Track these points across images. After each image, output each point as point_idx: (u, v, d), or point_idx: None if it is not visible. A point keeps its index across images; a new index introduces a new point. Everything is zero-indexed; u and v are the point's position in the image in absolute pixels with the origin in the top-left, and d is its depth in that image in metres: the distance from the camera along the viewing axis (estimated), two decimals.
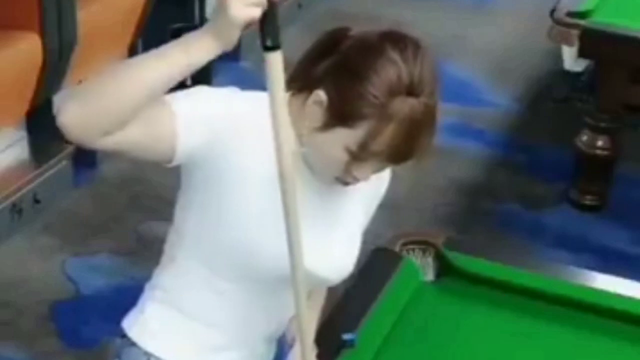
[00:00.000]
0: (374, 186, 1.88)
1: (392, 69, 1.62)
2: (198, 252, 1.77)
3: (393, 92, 1.61)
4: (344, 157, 1.65)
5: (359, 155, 1.65)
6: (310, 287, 1.87)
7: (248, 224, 1.70)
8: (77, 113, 1.54)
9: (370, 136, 1.62)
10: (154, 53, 1.55)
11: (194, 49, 1.53)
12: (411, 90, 1.62)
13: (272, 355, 1.96)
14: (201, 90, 1.70)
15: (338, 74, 1.66)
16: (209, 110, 1.66)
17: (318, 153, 1.70)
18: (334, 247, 1.82)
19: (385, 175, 1.91)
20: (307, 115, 1.67)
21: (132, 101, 1.54)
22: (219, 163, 1.67)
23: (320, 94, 1.65)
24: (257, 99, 1.67)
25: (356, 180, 1.70)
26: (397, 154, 1.66)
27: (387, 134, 1.62)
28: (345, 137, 1.64)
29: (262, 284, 1.76)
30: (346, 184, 1.72)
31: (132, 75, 1.54)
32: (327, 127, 1.66)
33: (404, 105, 1.62)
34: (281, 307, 1.84)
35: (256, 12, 1.48)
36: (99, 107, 1.54)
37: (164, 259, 1.86)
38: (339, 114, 1.64)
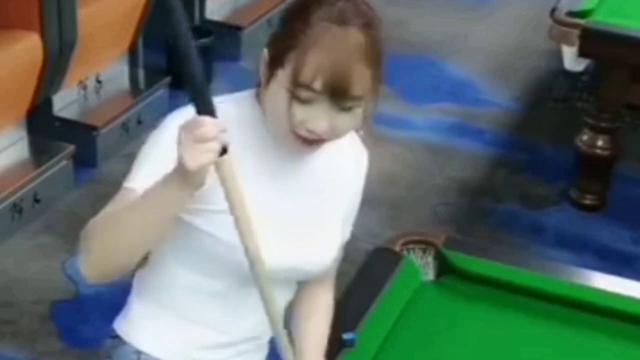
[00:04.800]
0: (354, 177, 1.90)
1: (318, 5, 1.64)
2: (180, 256, 1.78)
3: (316, 20, 1.63)
4: (285, 99, 1.65)
5: (296, 92, 1.63)
6: (292, 280, 1.88)
7: (228, 224, 1.71)
8: (95, 274, 1.68)
9: (298, 66, 1.62)
10: (136, 204, 1.62)
11: (169, 200, 1.59)
12: (335, 19, 1.63)
13: (265, 351, 1.96)
14: (144, 151, 1.73)
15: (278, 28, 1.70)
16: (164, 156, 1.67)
17: (270, 111, 1.70)
18: (315, 240, 1.82)
19: (363, 169, 1.92)
20: (261, 78, 1.70)
21: (138, 253, 1.66)
22: (199, 193, 1.67)
23: (264, 52, 1.69)
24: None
25: (312, 133, 1.66)
26: (331, 85, 1.62)
27: (313, 61, 1.61)
28: (281, 79, 1.65)
29: (247, 279, 1.77)
30: (308, 142, 1.69)
31: (125, 232, 1.63)
32: (270, 79, 1.67)
33: (325, 31, 1.62)
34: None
35: (210, 158, 1.51)
36: (111, 266, 1.67)
37: (149, 258, 1.86)
38: (273, 59, 1.66)
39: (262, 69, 1.70)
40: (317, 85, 1.62)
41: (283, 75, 1.65)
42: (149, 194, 1.60)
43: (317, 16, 1.64)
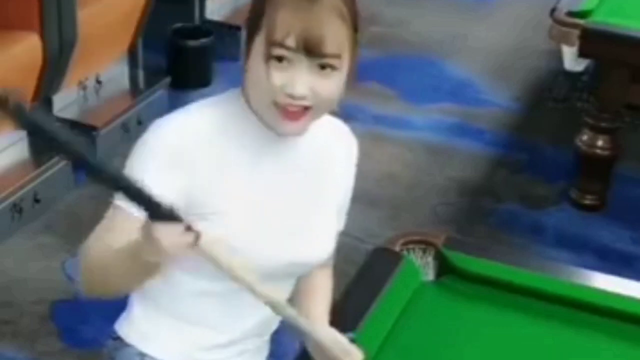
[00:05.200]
0: (346, 166, 1.89)
1: None
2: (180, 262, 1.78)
3: None
4: (263, 66, 1.64)
5: (271, 52, 1.62)
6: (294, 275, 1.87)
7: (233, 229, 1.72)
8: (90, 294, 1.75)
9: (270, 25, 1.62)
10: (118, 259, 1.64)
11: (146, 267, 1.60)
12: None
13: (266, 351, 1.96)
14: (130, 166, 1.71)
15: None
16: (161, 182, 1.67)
17: (252, 87, 1.69)
18: (312, 232, 1.82)
19: (353, 158, 1.91)
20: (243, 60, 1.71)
21: (129, 291, 1.80)
22: (192, 199, 1.70)
23: (244, 34, 1.70)
24: (185, 121, 1.73)
25: (292, 98, 1.64)
26: (305, 41, 1.61)
27: (285, 18, 1.61)
28: (258, 46, 1.65)
29: None
30: (291, 116, 1.66)
31: (113, 281, 1.69)
32: (249, 52, 1.67)
33: None
34: None
35: (177, 255, 1.53)
36: (104, 294, 1.74)
37: None
38: (249, 29, 1.67)
39: (244, 50, 1.70)
40: (291, 41, 1.61)
41: (259, 41, 1.64)
42: (127, 254, 1.61)
43: None
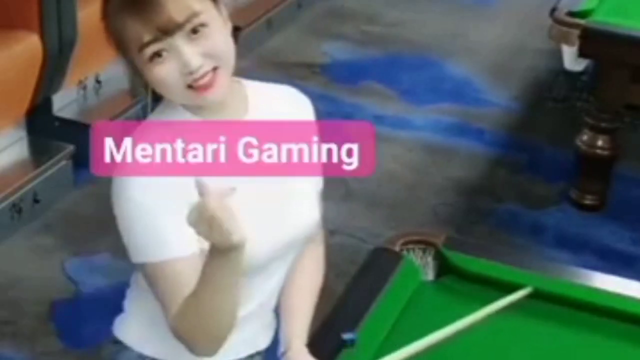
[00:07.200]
0: (306, 119, 1.90)
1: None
2: None
3: (111, 6, 1.70)
4: (153, 70, 1.68)
5: (145, 56, 1.66)
6: (291, 251, 1.87)
7: None
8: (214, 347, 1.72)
9: (127, 41, 1.68)
10: (211, 296, 1.64)
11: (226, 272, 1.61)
12: None
13: (268, 338, 1.97)
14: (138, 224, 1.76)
15: None
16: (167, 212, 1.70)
17: (162, 91, 1.73)
18: (296, 198, 1.83)
19: (310, 113, 1.92)
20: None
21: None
22: None
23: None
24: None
25: (195, 73, 1.66)
26: (157, 29, 1.64)
27: (128, 28, 1.66)
28: (136, 60, 1.69)
29: (244, 270, 1.78)
30: (206, 86, 1.68)
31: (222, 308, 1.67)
32: (137, 71, 1.72)
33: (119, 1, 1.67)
34: (264, 286, 1.86)
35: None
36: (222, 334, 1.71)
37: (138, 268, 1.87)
38: (123, 56, 1.74)
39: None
40: (147, 37, 1.64)
41: (134, 56, 1.68)
42: (202, 276, 1.61)
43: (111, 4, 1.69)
